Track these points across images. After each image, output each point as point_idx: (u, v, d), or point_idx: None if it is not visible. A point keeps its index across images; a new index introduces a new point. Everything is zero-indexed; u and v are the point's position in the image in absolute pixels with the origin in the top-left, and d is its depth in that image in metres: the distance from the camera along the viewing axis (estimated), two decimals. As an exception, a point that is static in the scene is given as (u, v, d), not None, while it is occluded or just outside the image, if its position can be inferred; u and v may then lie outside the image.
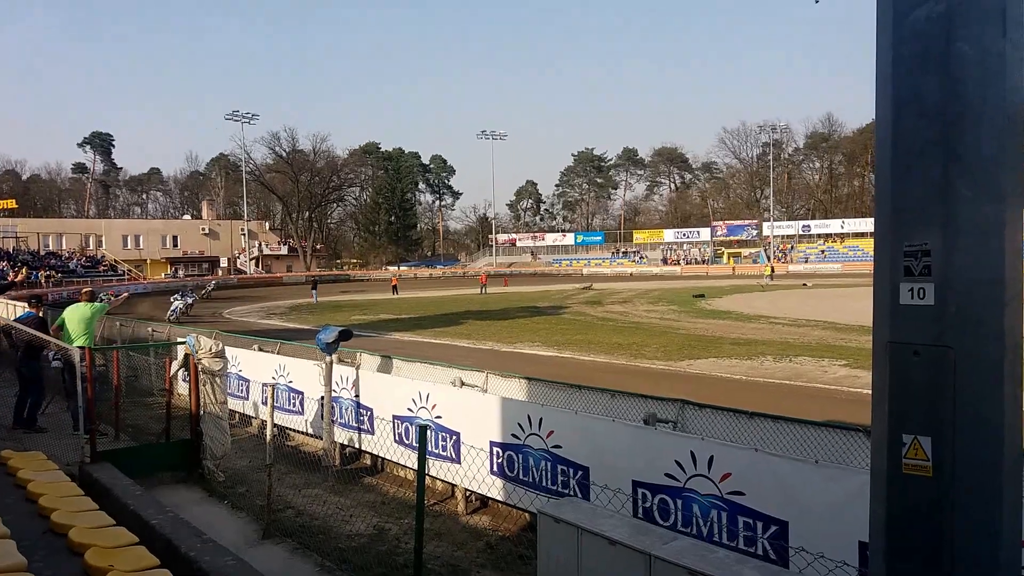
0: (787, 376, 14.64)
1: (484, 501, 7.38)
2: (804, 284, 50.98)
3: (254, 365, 11.49)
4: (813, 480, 4.53)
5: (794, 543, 4.46)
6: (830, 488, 4.44)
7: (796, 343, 19.56)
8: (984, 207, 2.16)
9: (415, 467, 5.23)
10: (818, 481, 4.51)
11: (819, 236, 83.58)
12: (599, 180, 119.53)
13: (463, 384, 8.18)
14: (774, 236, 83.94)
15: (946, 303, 2.16)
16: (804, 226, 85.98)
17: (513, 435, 6.89)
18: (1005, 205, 2.18)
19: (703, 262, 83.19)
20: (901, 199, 2.26)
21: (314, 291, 44.11)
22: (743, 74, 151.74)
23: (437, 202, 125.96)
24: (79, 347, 8.43)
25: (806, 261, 76.51)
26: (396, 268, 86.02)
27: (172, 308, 30.65)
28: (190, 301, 34.00)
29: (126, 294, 15.92)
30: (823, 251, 78.58)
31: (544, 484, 6.49)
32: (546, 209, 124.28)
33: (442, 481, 7.78)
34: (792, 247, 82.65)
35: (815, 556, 3.57)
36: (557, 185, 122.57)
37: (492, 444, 7.09)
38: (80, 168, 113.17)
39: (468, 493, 7.38)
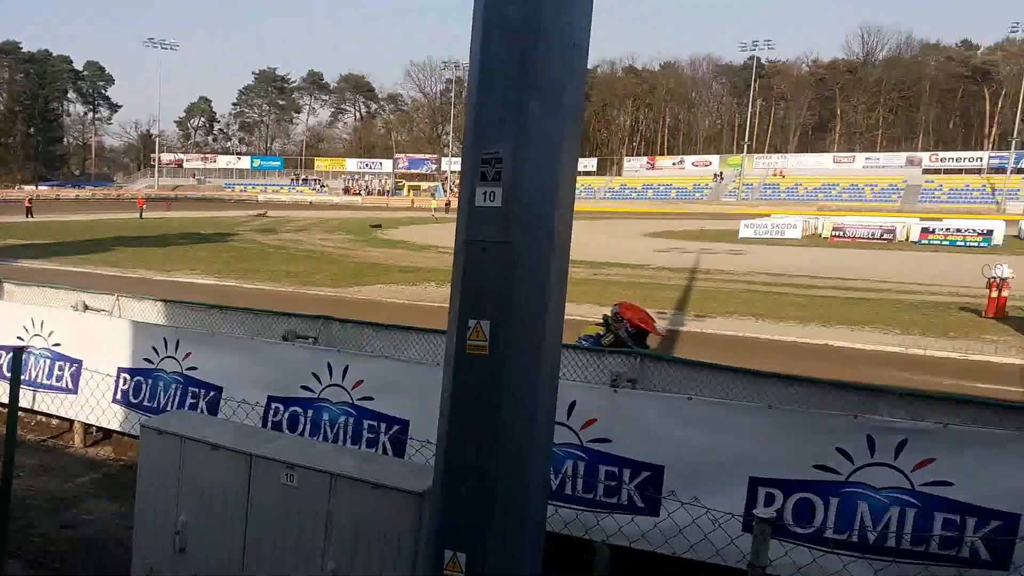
0: (445, 299, 15.56)
1: (108, 433, 6.74)
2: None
3: None
4: (431, 381, 4.87)
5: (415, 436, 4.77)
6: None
7: (460, 271, 20.87)
8: (549, 123, 2.43)
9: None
10: (436, 381, 4.86)
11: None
12: (281, 102, 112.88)
13: (87, 308, 7.26)
14: (451, 171, 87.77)
15: (511, 206, 2.41)
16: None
17: (146, 359, 6.36)
18: (566, 122, 2.48)
19: (384, 193, 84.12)
20: (483, 113, 2.45)
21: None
22: (432, 10, 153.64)
23: (91, 115, 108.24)
24: None
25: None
26: (33, 188, 72.85)
27: None
28: None
29: None
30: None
31: (174, 408, 6.11)
32: (220, 129, 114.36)
33: (59, 418, 6.92)
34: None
35: (422, 443, 3.87)
36: (234, 104, 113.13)
37: (120, 371, 6.46)
38: None
39: (89, 426, 6.67)
